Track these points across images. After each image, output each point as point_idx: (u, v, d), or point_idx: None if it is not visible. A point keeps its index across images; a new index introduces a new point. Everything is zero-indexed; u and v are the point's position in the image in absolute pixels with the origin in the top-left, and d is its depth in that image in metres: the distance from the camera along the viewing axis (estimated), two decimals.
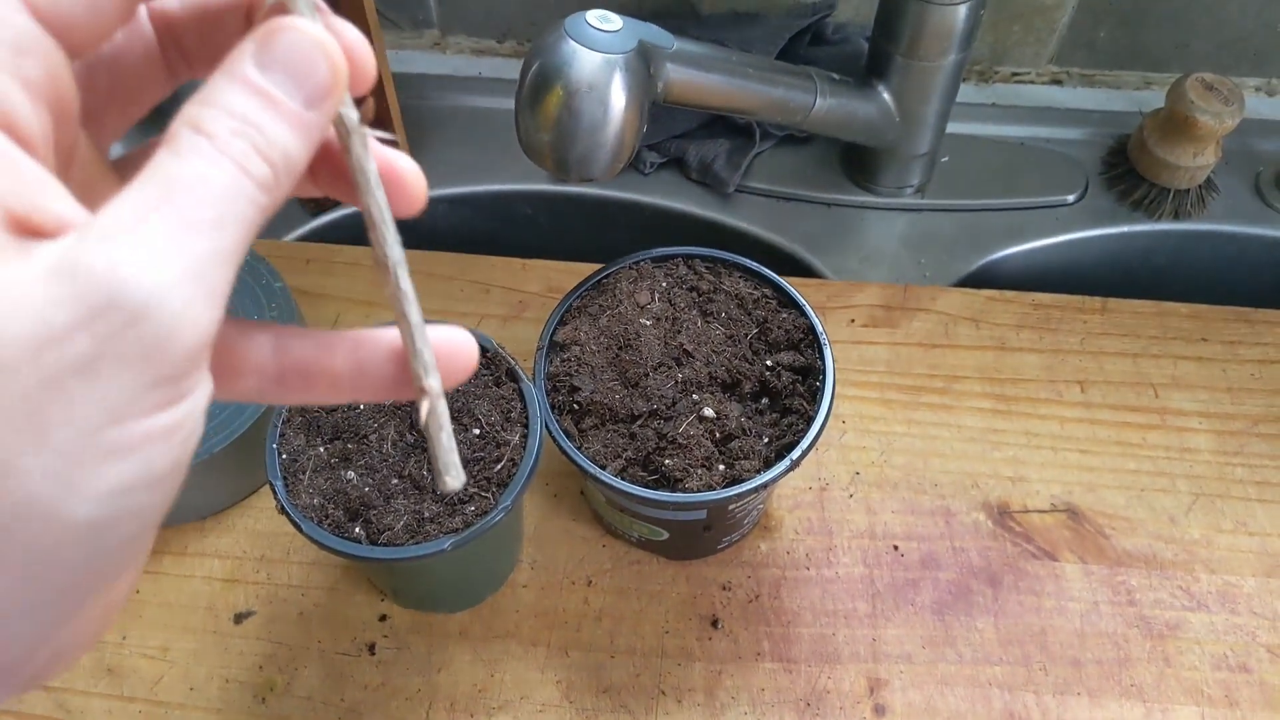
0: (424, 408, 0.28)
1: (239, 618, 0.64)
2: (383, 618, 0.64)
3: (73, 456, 0.19)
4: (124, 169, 0.26)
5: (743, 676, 0.62)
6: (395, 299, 0.27)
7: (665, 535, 0.62)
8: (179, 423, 0.21)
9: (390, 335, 0.28)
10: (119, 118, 0.27)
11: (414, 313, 0.27)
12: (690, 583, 0.65)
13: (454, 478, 0.28)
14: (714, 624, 0.64)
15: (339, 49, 0.24)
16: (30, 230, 0.20)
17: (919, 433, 0.72)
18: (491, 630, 0.63)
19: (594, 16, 0.56)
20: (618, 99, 0.56)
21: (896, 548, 0.67)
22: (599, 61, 0.55)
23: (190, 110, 0.22)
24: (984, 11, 0.73)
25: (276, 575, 0.65)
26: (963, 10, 0.72)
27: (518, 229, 0.90)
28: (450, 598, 0.63)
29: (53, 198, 0.20)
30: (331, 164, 0.27)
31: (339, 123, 0.25)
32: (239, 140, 0.22)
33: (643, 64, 0.57)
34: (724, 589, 0.65)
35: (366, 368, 0.28)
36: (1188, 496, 0.69)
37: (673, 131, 0.87)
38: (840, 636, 0.63)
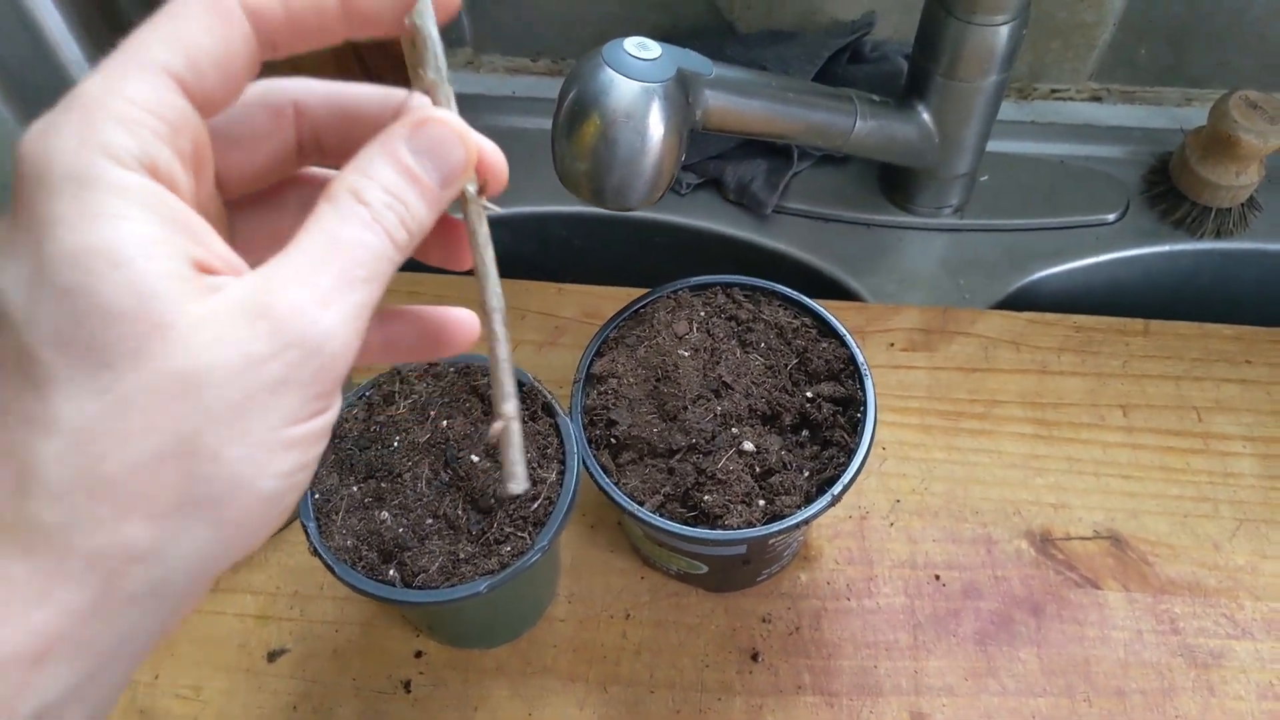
0: (497, 426, 0.34)
1: (272, 655, 0.63)
2: (418, 654, 0.63)
3: (263, 449, 0.25)
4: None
5: (784, 710, 0.61)
6: (490, 338, 0.34)
7: (704, 569, 0.61)
8: (327, 425, 0.27)
9: (417, 312, 0.35)
10: (248, 187, 0.33)
11: (503, 351, 0.34)
12: (730, 615, 0.65)
13: (517, 484, 0.34)
14: (754, 657, 0.63)
15: (472, 138, 0.30)
16: (207, 269, 0.25)
17: (959, 459, 0.71)
18: (529, 665, 0.63)
19: (632, 44, 0.55)
20: (656, 128, 0.55)
21: (938, 577, 0.66)
22: (637, 90, 0.55)
23: (351, 178, 0.28)
24: (1025, 33, 0.72)
25: (310, 611, 0.65)
26: (1005, 30, 0.71)
27: (553, 252, 0.90)
28: (487, 635, 0.63)
29: (215, 242, 0.26)
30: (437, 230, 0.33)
31: (463, 196, 0.32)
32: (390, 212, 0.28)
33: (681, 92, 0.57)
34: (764, 621, 0.64)
35: (396, 341, 0.35)
36: (1231, 522, 0.68)
37: (709, 152, 0.86)
38: (882, 669, 0.63)
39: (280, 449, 0.26)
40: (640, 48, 0.55)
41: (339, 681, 0.63)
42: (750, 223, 0.86)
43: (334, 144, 0.33)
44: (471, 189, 0.32)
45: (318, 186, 0.33)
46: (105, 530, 0.23)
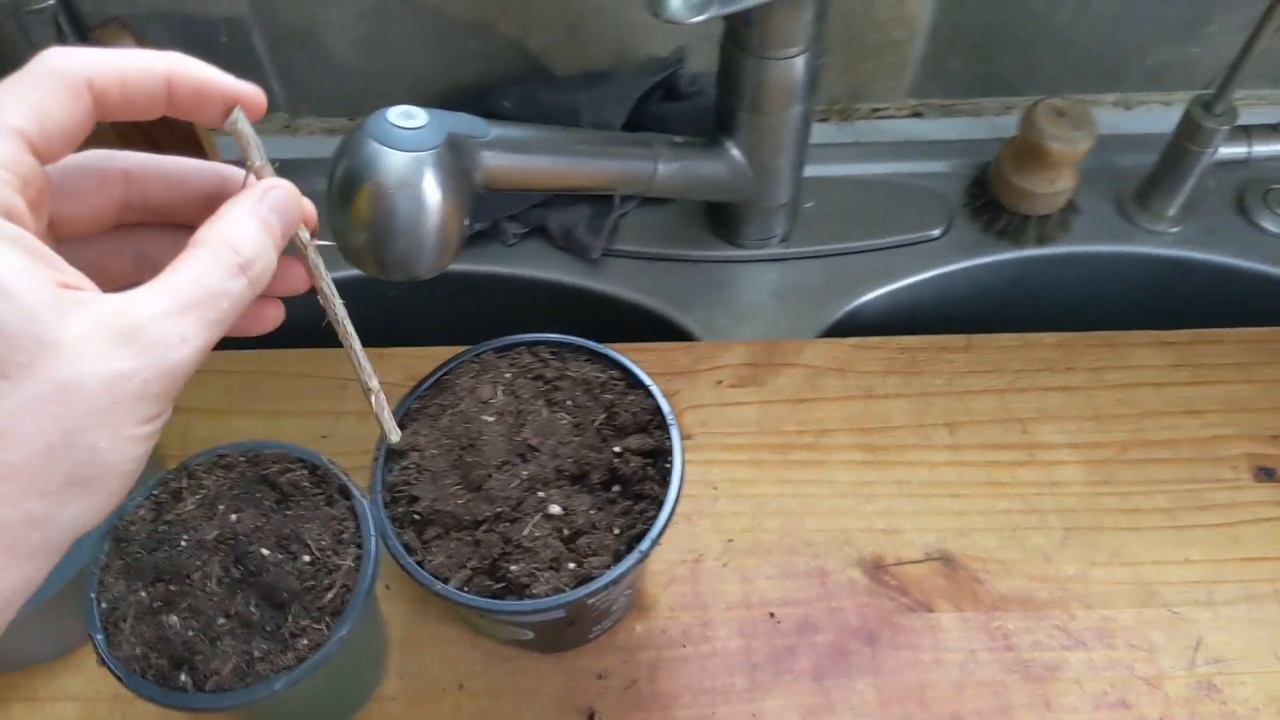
0: (372, 399, 0.50)
1: None
2: None
3: (125, 441, 0.32)
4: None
5: None
6: (343, 336, 0.46)
7: (530, 635, 0.61)
8: (166, 419, 0.34)
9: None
10: (77, 232, 0.39)
11: (355, 343, 0.47)
12: (565, 675, 0.64)
13: (393, 435, 0.52)
14: (590, 717, 0.63)
15: (302, 198, 0.39)
16: (67, 286, 0.31)
17: (791, 492, 0.71)
18: None
19: (396, 114, 0.54)
20: (432, 195, 0.55)
21: (773, 614, 0.66)
22: (406, 160, 0.54)
23: (227, 229, 0.35)
24: (822, 61, 0.73)
25: (132, 713, 0.63)
26: (800, 61, 0.72)
27: (382, 313, 0.88)
28: None
29: (64, 266, 0.32)
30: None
31: (296, 240, 0.40)
32: (259, 262, 0.36)
33: (455, 156, 0.56)
34: (599, 678, 0.64)
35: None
36: (1060, 532, 0.69)
37: (531, 200, 0.86)
38: (719, 715, 0.62)
39: (138, 441, 0.32)
40: (405, 117, 0.54)
41: None
42: (579, 268, 0.86)
43: (159, 204, 0.40)
44: (305, 235, 0.41)
45: (137, 230, 0.41)
46: (10, 504, 0.30)
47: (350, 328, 0.45)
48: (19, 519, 0.30)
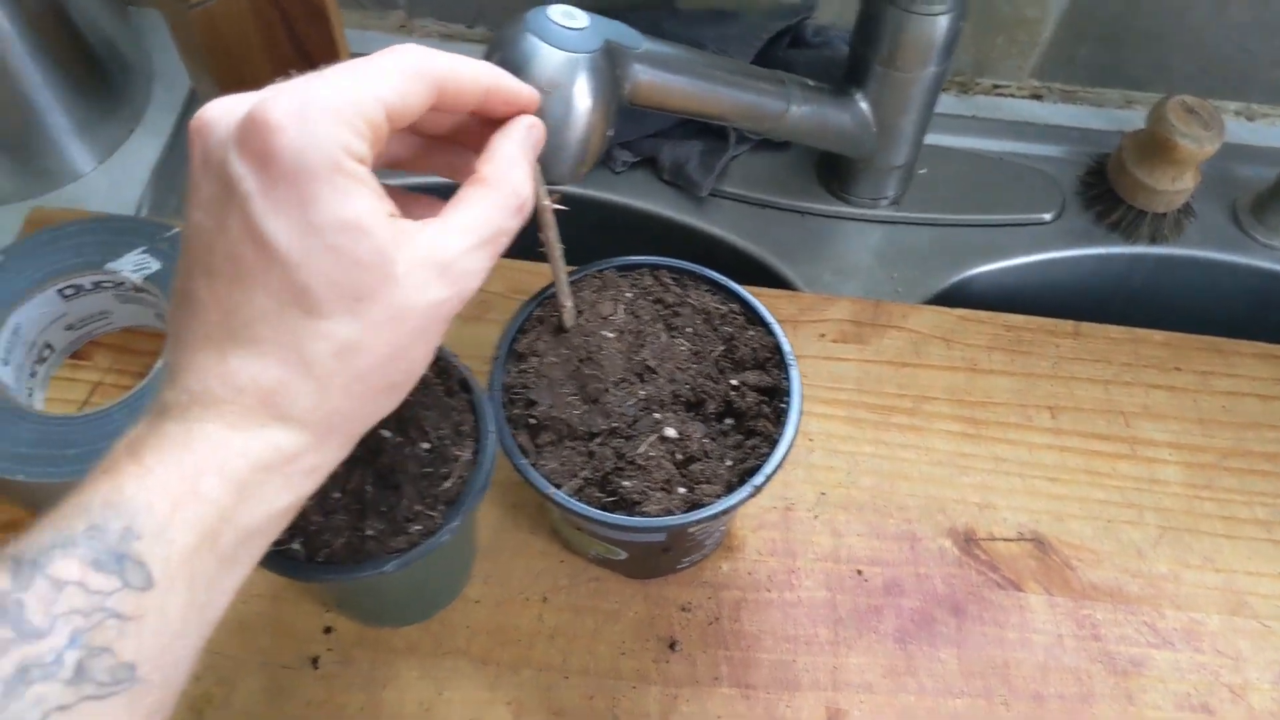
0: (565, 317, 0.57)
1: None
2: (327, 630, 0.61)
3: (431, 349, 0.39)
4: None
5: (699, 702, 0.60)
6: (553, 262, 0.54)
7: (623, 555, 0.60)
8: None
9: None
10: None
11: (562, 269, 0.54)
12: (649, 602, 0.63)
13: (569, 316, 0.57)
14: (671, 646, 0.62)
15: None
16: (395, 216, 0.36)
17: (887, 454, 0.70)
18: (441, 646, 0.61)
19: (558, 12, 0.53)
20: (582, 100, 0.54)
21: (860, 572, 0.65)
22: (561, 60, 0.53)
23: (505, 172, 0.41)
24: (964, 23, 0.71)
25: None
26: (943, 20, 0.70)
27: None
28: (397, 614, 0.61)
29: (390, 202, 0.37)
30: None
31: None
32: (529, 203, 0.41)
33: (609, 64, 0.55)
34: (683, 610, 0.63)
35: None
36: (1155, 530, 0.68)
37: (646, 130, 0.85)
38: (800, 663, 0.62)
39: (432, 353, 0.39)
40: (567, 16, 0.53)
41: (245, 655, 0.61)
42: (685, 204, 0.84)
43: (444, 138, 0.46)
44: (543, 191, 0.49)
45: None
46: (357, 401, 0.37)
47: (560, 254, 0.54)
48: (358, 412, 0.38)
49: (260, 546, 0.37)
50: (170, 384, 0.36)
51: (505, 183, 0.40)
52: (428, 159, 0.46)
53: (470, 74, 0.40)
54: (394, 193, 0.42)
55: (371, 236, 0.35)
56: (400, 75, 0.37)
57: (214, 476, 0.34)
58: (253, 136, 0.34)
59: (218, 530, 0.34)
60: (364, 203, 0.35)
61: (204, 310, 0.36)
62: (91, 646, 0.30)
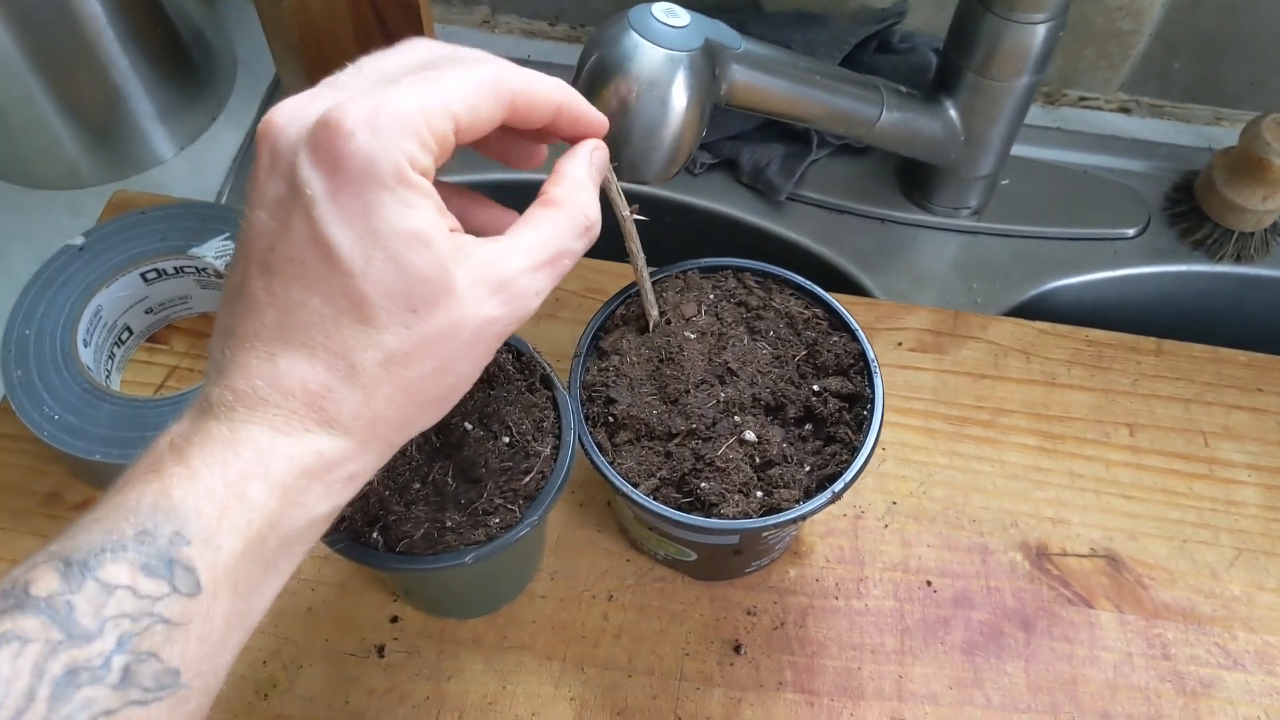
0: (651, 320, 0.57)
1: None
2: (394, 619, 0.62)
3: (478, 367, 0.39)
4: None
5: (763, 706, 0.60)
6: (637, 270, 0.55)
7: (693, 556, 0.60)
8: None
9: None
10: None
11: (645, 276, 0.55)
12: (715, 605, 0.63)
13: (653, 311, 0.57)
14: (736, 649, 0.62)
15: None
16: (455, 231, 0.38)
17: (961, 465, 0.69)
18: (506, 640, 0.61)
19: (660, 9, 0.53)
20: (679, 99, 0.54)
21: (929, 583, 0.65)
22: (662, 58, 0.53)
23: (572, 194, 0.41)
24: (1060, 35, 0.70)
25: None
26: (1042, 30, 0.69)
27: None
28: (466, 605, 0.61)
29: (450, 216, 0.38)
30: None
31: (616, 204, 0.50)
32: (597, 226, 0.42)
33: (707, 63, 0.55)
34: (749, 614, 0.63)
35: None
36: (1231, 551, 0.67)
37: (727, 132, 0.84)
38: (866, 671, 0.61)
39: (480, 370, 0.39)
40: (669, 14, 0.53)
41: (311, 641, 0.61)
42: (763, 208, 0.84)
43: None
44: (612, 175, 0.48)
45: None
46: (399, 409, 0.37)
47: (643, 262, 0.55)
48: (401, 422, 0.38)
49: (299, 553, 0.37)
50: (215, 379, 0.36)
51: (573, 204, 0.41)
52: (484, 143, 0.45)
53: (544, 92, 0.40)
54: (455, 190, 0.44)
55: (432, 249, 0.35)
56: (477, 89, 0.38)
57: (259, 482, 0.34)
58: (325, 140, 0.35)
59: (263, 536, 0.34)
60: (426, 215, 0.36)
61: (259, 308, 0.36)
62: (139, 651, 0.31)
